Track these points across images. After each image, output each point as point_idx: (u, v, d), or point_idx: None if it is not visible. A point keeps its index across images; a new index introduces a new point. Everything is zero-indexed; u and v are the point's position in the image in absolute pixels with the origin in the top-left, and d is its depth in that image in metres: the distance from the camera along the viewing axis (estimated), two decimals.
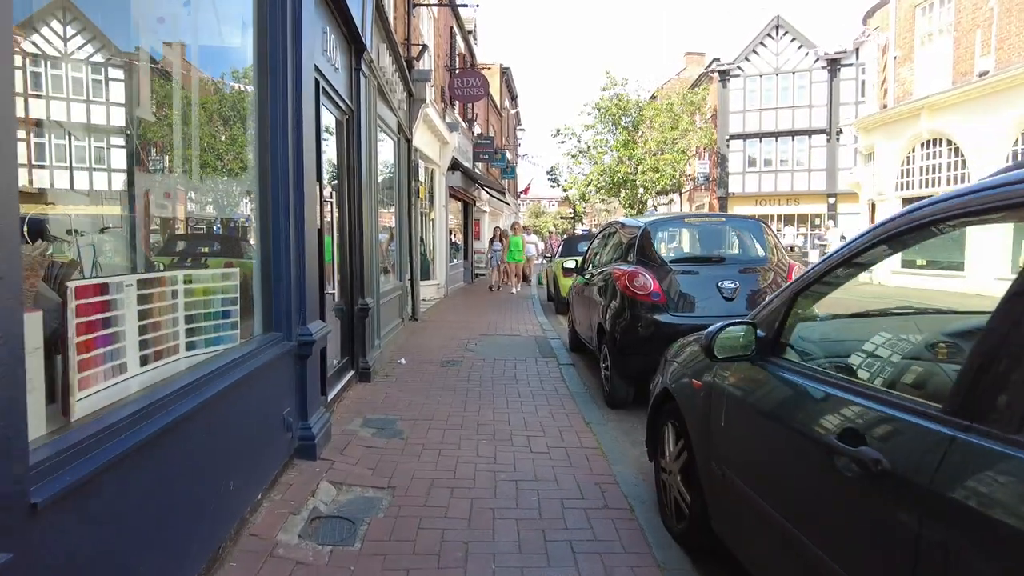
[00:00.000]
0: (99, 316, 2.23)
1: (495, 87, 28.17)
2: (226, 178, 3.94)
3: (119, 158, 2.80)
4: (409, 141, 10.54)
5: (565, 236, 24.13)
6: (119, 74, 2.78)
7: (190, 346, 2.93)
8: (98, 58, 2.65)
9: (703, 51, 44.20)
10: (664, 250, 6.09)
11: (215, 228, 3.81)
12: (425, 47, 11.12)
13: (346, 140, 6.29)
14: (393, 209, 9.85)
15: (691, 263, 5.90)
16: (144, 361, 2.54)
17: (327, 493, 3.70)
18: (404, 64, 9.78)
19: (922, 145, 18.39)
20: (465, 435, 4.89)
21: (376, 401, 5.87)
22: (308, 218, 4.16)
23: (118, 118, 2.77)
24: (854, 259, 2.22)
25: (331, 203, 5.27)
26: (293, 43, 3.99)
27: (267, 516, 3.31)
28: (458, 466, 4.24)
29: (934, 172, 18.04)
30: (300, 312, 4.09)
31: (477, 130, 21.03)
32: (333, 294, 5.22)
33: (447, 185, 15.54)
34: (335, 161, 6.16)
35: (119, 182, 2.79)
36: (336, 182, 6.18)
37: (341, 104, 5.96)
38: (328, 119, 5.69)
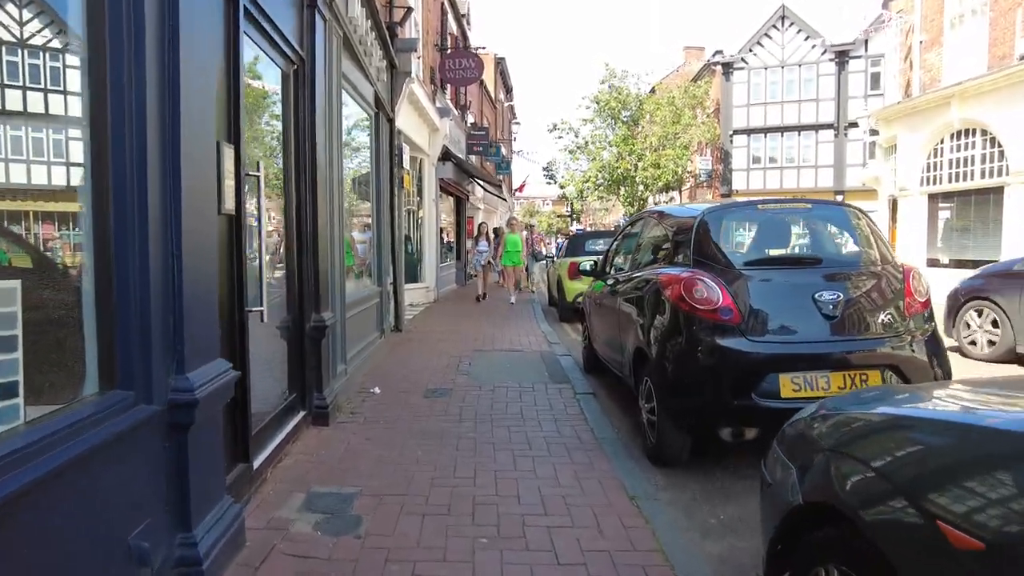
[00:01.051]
0: None
1: (489, 77, 26.52)
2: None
3: None
4: (391, 121, 8.85)
5: (563, 235, 22.41)
6: None
7: None
8: None
9: (702, 45, 42.72)
10: (733, 248, 4.41)
11: None
12: (410, 10, 9.42)
13: (294, 101, 4.59)
14: (372, 201, 8.15)
15: (774, 266, 4.23)
16: None
17: None
18: (384, 29, 8.09)
19: (952, 136, 16.80)
20: (454, 527, 3.20)
21: (331, 459, 4.18)
22: (192, 194, 2.47)
23: None
24: None
25: (259, 180, 3.58)
26: None
27: None
28: None
29: (966, 165, 16.46)
30: (175, 352, 2.40)
31: (471, 120, 19.34)
32: (262, 312, 3.53)
33: (437, 177, 13.85)
34: (277, 129, 4.46)
35: None
36: (280, 158, 4.48)
37: (286, 49, 4.27)
38: (260, 63, 3.99)
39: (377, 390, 5.98)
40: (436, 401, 5.70)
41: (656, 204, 33.06)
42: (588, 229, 36.36)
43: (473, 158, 17.29)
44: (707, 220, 4.33)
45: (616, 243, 6.56)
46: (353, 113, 6.97)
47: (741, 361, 3.76)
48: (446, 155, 13.95)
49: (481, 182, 17.17)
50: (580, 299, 9.24)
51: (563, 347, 8.44)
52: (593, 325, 6.66)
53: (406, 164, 9.34)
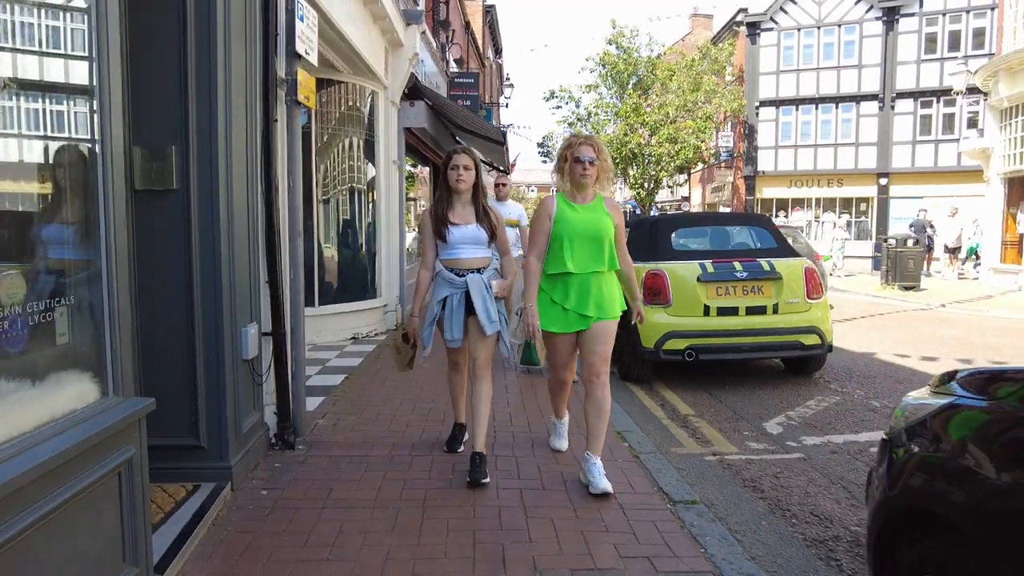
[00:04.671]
0: None
1: (477, 27, 20.87)
2: None
3: None
4: None
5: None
6: None
7: None
8: None
9: (710, 12, 37.33)
10: None
11: None
12: None
13: None
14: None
15: None
16: None
17: None
18: None
19: None
20: None
21: None
22: None
23: None
24: None
25: None
26: None
27: None
28: None
29: None
30: None
31: (453, 60, 13.76)
32: None
33: (400, 127, 8.30)
34: None
35: None
36: None
37: None
38: None
39: None
40: None
41: (670, 187, 27.77)
42: (648, 208, 27.11)
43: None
44: None
45: None
46: None
47: None
48: (416, 91, 8.40)
49: (475, 134, 10.36)
50: (675, 344, 5.41)
51: (672, 470, 3.15)
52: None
53: (311, 56, 3.90)
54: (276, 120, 3.63)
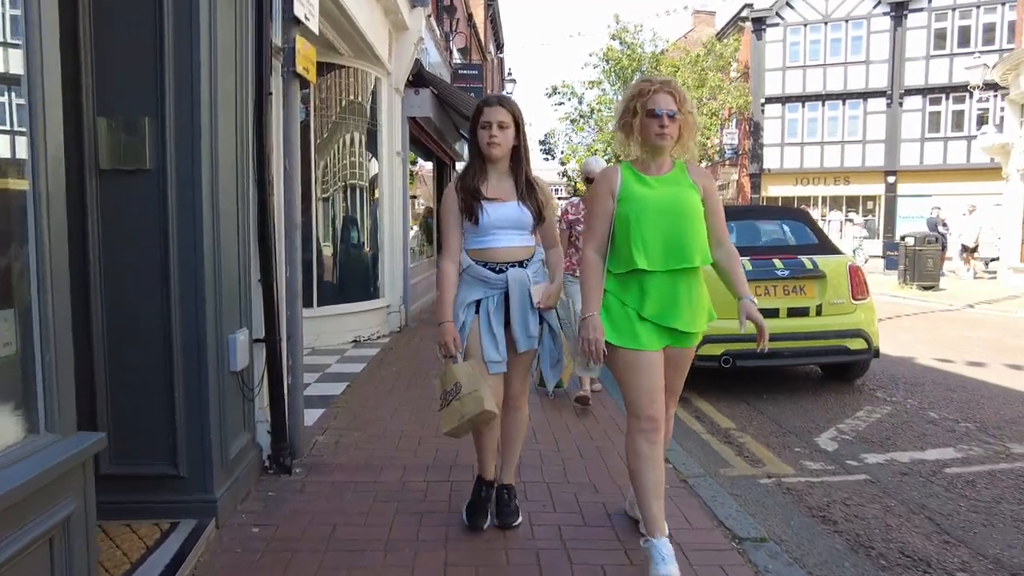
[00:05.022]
0: None
1: (479, 21, 20.35)
2: None
3: None
4: None
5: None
6: None
7: None
8: None
9: (713, 9, 36.75)
10: None
11: None
12: None
13: None
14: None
15: None
16: None
17: None
18: None
19: None
20: None
21: None
22: None
23: None
24: None
25: None
26: None
27: None
28: None
29: None
30: None
31: (456, 51, 13.24)
32: None
33: (405, 116, 7.79)
34: None
35: None
36: None
37: None
38: None
39: None
40: None
41: None
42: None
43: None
44: None
45: None
46: None
47: None
48: (420, 78, 7.89)
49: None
50: (710, 349, 4.75)
51: (737, 510, 2.64)
52: None
53: (311, 23, 3.37)
54: (271, 93, 3.12)
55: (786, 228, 5.81)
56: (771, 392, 5.37)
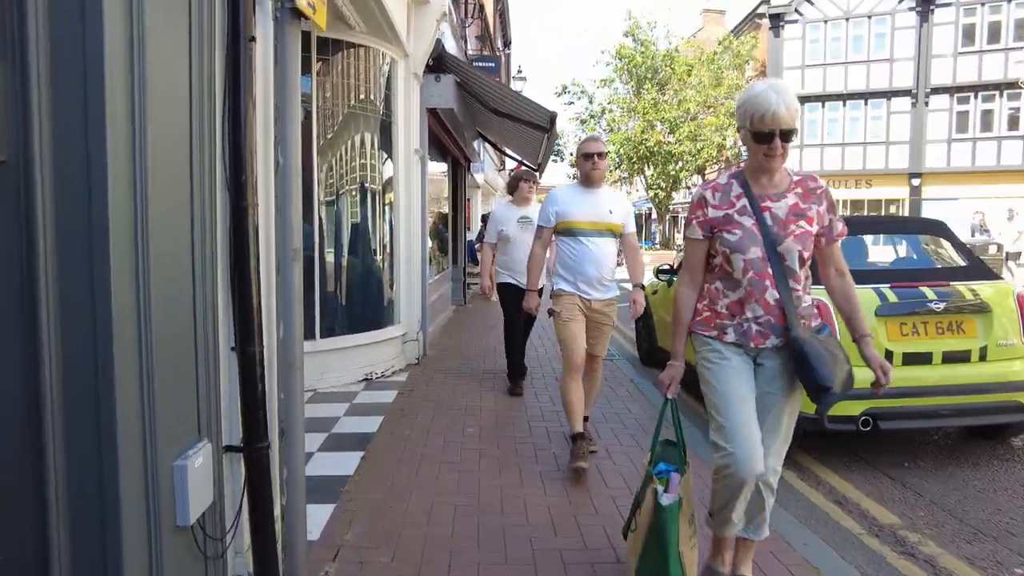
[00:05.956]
0: None
1: (488, 15, 19.10)
2: None
3: None
4: None
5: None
6: None
7: None
8: None
9: (723, 8, 35.61)
10: None
11: None
12: None
13: None
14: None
15: None
16: None
17: None
18: None
19: None
20: None
21: None
22: None
23: None
24: None
25: None
26: None
27: None
28: None
29: None
30: None
31: (472, 46, 11.99)
32: None
33: (424, 107, 6.52)
34: None
35: None
36: None
37: None
38: None
39: None
40: None
41: (688, 188, 26.11)
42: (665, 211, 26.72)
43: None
44: None
45: None
46: None
47: None
48: (441, 63, 6.61)
49: (510, 121, 7.91)
50: (846, 408, 2.88)
51: None
52: None
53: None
54: (253, 38, 1.86)
55: (923, 244, 4.56)
56: (905, 454, 4.12)
